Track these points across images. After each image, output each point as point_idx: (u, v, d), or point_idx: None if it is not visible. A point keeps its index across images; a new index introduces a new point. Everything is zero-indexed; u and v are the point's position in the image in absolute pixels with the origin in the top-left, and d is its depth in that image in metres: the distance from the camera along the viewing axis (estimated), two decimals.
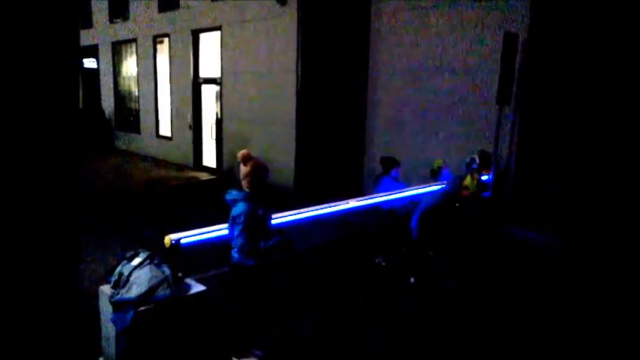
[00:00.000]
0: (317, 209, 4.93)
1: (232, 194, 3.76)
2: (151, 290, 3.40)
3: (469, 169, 6.42)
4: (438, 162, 6.30)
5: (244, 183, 3.73)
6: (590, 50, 6.45)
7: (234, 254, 3.72)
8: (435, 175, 6.24)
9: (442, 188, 5.60)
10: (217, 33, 11.21)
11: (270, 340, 4.01)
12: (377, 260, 6.01)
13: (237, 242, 3.67)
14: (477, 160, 6.42)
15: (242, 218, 3.63)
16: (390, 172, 5.95)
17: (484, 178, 6.29)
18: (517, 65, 6.70)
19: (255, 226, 3.67)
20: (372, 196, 5.79)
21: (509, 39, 6.45)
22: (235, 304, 3.91)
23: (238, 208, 3.68)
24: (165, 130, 13.73)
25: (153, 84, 13.84)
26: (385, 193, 5.75)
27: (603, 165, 6.37)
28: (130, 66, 15.07)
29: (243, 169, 3.72)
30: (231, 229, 3.76)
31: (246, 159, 3.74)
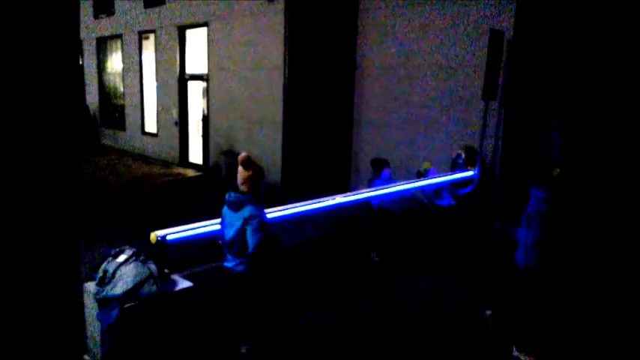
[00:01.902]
0: (304, 205, 4.93)
1: (235, 196, 3.59)
2: (136, 287, 3.38)
3: (455, 164, 6.47)
4: (425, 165, 6.35)
5: (245, 186, 3.59)
6: (575, 46, 6.52)
7: (237, 264, 3.59)
8: (421, 178, 6.29)
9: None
10: (204, 29, 11.13)
11: (258, 337, 4.00)
12: (371, 255, 6.05)
13: (251, 244, 3.50)
14: (463, 155, 6.48)
15: (257, 220, 3.51)
16: (380, 173, 5.94)
17: (470, 173, 6.35)
18: (503, 61, 6.76)
19: (265, 230, 3.59)
20: (358, 192, 5.81)
21: (495, 36, 6.51)
22: (230, 308, 3.83)
23: (247, 211, 3.53)
24: (151, 126, 13.61)
25: (138, 80, 13.70)
26: (370, 189, 5.78)
27: (589, 159, 6.44)
28: (115, 62, 14.90)
29: (244, 173, 3.59)
30: (234, 233, 3.58)
31: (248, 163, 3.60)
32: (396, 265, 5.89)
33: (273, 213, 4.45)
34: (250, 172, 3.58)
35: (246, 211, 3.55)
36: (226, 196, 3.64)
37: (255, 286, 3.72)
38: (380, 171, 5.93)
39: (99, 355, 3.48)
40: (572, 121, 6.56)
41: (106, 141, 15.51)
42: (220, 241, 3.84)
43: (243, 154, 3.64)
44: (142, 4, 12.95)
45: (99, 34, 15.07)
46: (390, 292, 5.26)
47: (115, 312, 3.30)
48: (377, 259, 6.00)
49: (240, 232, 3.55)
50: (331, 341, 4.27)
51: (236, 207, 3.59)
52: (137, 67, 13.64)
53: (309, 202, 5.02)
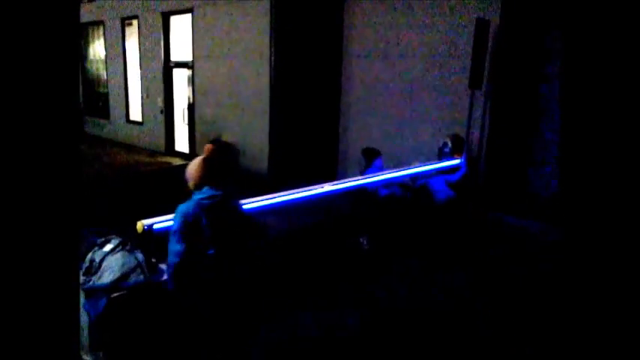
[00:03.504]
0: (291, 193, 4.93)
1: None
2: (123, 276, 3.36)
3: (441, 153, 6.50)
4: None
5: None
6: (561, 35, 6.56)
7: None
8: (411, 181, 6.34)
9: None
10: (189, 15, 10.97)
11: (247, 330, 3.99)
12: (360, 241, 6.05)
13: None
14: (450, 144, 6.51)
15: None
16: (372, 163, 5.92)
17: (457, 162, 6.39)
18: (489, 50, 6.78)
19: None
20: (346, 180, 5.82)
21: (481, 24, 6.53)
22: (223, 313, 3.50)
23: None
24: (135, 115, 13.43)
25: (122, 68, 13.48)
26: (357, 178, 5.80)
27: (572, 146, 6.52)
28: (97, 49, 14.63)
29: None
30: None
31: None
32: (386, 252, 5.91)
33: (260, 202, 4.45)
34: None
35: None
36: (221, 195, 3.05)
37: (248, 285, 3.51)
38: (372, 161, 5.92)
39: (86, 345, 3.46)
40: (564, 110, 6.63)
41: (90, 130, 15.28)
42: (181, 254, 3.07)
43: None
44: None
45: (80, 20, 14.76)
46: (379, 283, 5.29)
47: (102, 302, 3.28)
48: (366, 246, 6.01)
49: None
50: (326, 339, 4.28)
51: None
52: (120, 54, 13.41)
53: (297, 190, 5.02)
